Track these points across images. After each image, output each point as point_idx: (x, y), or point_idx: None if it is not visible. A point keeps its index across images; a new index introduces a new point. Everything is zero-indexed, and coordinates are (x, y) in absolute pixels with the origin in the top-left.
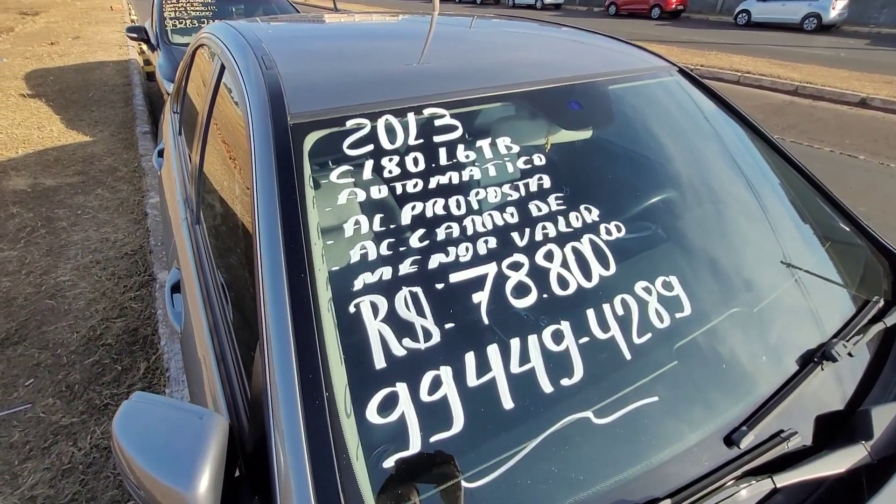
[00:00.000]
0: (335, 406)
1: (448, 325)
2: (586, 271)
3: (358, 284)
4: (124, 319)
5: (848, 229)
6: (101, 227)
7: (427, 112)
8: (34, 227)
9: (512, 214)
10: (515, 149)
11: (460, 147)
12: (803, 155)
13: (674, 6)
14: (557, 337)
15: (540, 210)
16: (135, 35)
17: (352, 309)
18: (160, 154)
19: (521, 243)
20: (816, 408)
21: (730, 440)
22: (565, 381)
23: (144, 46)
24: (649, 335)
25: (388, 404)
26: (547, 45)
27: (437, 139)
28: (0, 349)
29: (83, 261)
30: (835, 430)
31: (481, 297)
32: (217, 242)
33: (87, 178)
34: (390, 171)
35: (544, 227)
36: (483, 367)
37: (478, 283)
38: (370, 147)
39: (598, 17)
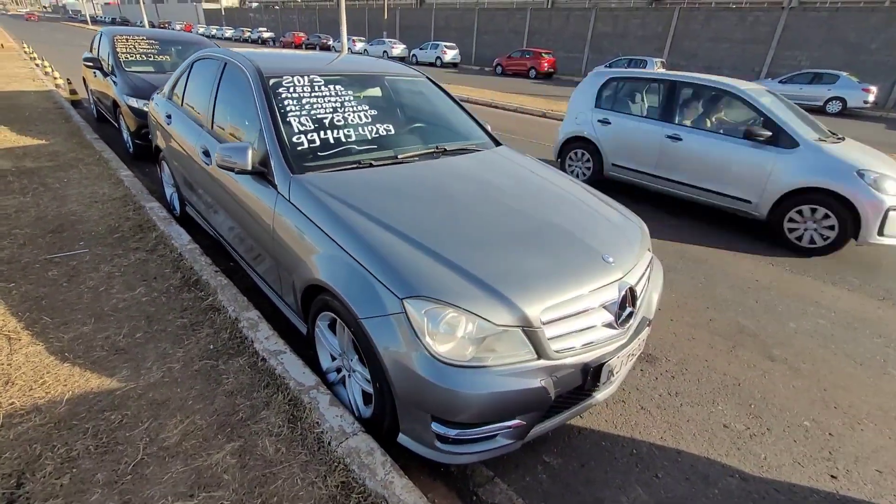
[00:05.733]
0: (298, 160)
1: (350, 139)
2: (384, 128)
3: (297, 127)
4: (130, 221)
5: (481, 128)
6: (88, 187)
7: (312, 76)
8: (34, 187)
9: (364, 114)
10: (351, 94)
11: (326, 89)
12: None
13: (546, 69)
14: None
15: (354, 104)
16: (90, 64)
17: (297, 138)
18: (168, 117)
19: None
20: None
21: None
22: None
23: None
24: (417, 146)
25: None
26: (372, 62)
27: (315, 84)
28: (54, 234)
29: (84, 202)
30: None
31: (354, 132)
32: (226, 131)
33: (61, 162)
34: (299, 92)
35: (356, 109)
36: (367, 140)
37: (345, 125)
38: (292, 83)
39: (488, 75)
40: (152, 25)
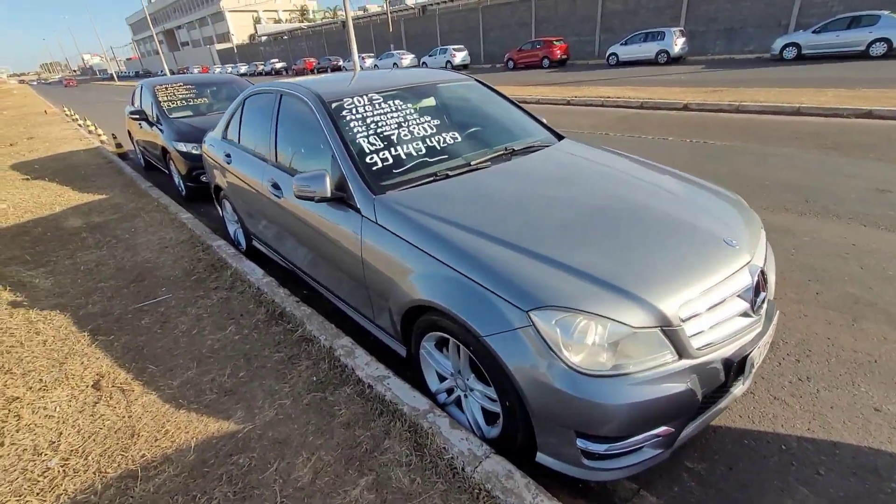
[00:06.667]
0: (376, 180)
1: (420, 151)
2: (450, 136)
3: (367, 147)
4: (202, 262)
5: (539, 123)
6: (155, 234)
7: (370, 95)
8: (107, 240)
9: (427, 125)
10: (410, 106)
11: (387, 105)
12: (632, 142)
13: (559, 56)
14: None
15: (416, 116)
16: (136, 116)
17: (371, 158)
18: (227, 156)
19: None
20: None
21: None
22: (464, 154)
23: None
24: (485, 149)
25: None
26: (422, 73)
27: (375, 102)
28: (135, 282)
29: (154, 248)
30: None
31: (422, 144)
32: (293, 162)
33: (124, 214)
34: (362, 112)
35: (419, 121)
36: (437, 151)
37: (415, 139)
38: (353, 104)
39: (500, 71)
40: (172, 72)
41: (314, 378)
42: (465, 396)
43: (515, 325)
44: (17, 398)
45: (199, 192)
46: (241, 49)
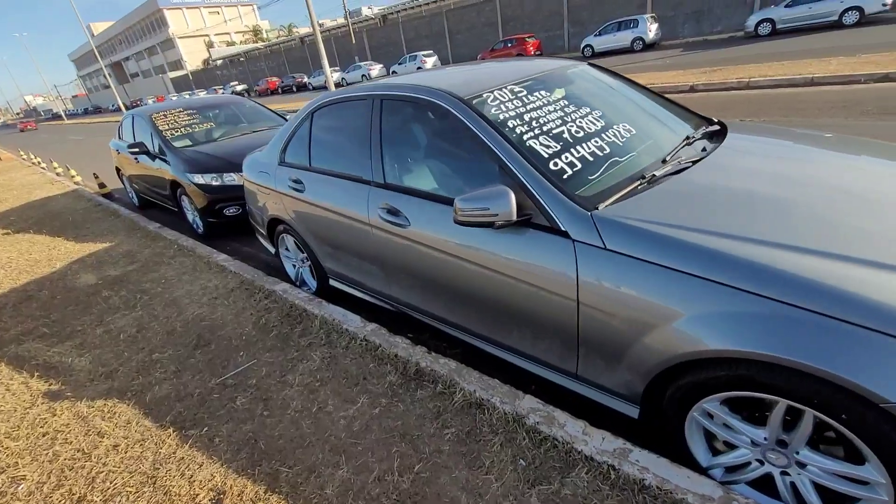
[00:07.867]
0: (547, 175)
1: (604, 150)
2: (624, 129)
3: (543, 151)
4: (274, 312)
5: (678, 111)
6: (193, 283)
7: (510, 87)
8: (137, 297)
9: (593, 117)
10: (561, 98)
11: (534, 97)
12: None
13: (533, 53)
14: (619, 147)
15: (572, 108)
16: (136, 150)
17: (554, 164)
18: (296, 182)
19: (582, 122)
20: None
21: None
22: (623, 147)
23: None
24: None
25: (576, 161)
26: (533, 61)
27: (520, 96)
28: (199, 348)
29: (202, 301)
30: None
31: (601, 141)
32: (421, 180)
33: (143, 264)
34: (513, 108)
35: (580, 113)
36: (620, 148)
37: (583, 135)
38: (497, 99)
39: None
40: (126, 106)
41: (522, 462)
42: (782, 474)
43: None
44: None
45: (219, 229)
46: (197, 75)
